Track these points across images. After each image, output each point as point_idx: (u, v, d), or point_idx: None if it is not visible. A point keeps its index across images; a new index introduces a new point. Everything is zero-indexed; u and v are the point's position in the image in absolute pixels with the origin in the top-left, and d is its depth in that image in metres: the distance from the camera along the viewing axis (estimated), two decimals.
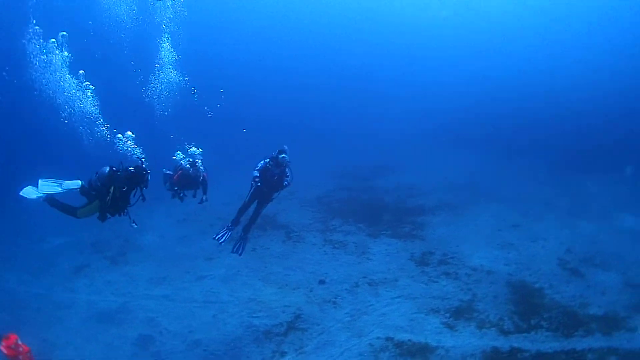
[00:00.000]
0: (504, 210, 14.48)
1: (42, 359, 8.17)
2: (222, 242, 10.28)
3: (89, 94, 9.44)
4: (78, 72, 9.47)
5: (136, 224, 8.00)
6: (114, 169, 7.81)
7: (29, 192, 7.89)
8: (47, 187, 7.94)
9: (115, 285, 11.17)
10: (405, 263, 11.35)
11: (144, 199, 8.09)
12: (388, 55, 48.81)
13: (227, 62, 42.20)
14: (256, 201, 10.30)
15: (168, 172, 9.71)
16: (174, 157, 9.26)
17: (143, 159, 8.22)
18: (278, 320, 9.33)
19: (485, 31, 45.99)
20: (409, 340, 8.37)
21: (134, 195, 8.04)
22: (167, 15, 11.92)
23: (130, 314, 9.90)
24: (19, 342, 7.41)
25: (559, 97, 30.97)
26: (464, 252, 11.69)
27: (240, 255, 10.51)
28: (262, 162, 9.93)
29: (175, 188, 9.59)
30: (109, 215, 7.95)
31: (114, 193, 7.71)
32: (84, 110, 9.40)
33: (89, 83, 9.40)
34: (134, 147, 8.45)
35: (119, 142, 8.47)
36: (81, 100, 9.41)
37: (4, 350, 7.28)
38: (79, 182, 8.02)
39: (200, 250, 12.85)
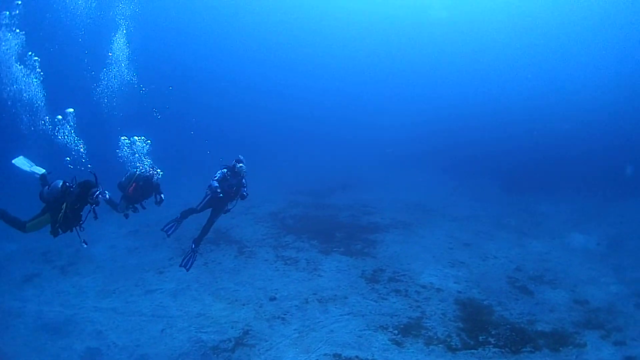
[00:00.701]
0: (456, 229, 14.53)
1: None
2: (169, 234, 9.99)
3: (34, 77, 8.95)
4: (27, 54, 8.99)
5: (86, 244, 7.68)
6: (67, 184, 7.50)
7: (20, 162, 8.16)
8: (21, 163, 8.15)
9: (65, 296, 10.62)
10: (355, 280, 11.09)
11: (96, 217, 7.75)
12: (349, 74, 49.19)
13: (189, 68, 41.72)
14: (210, 210, 9.97)
15: (106, 195, 9.23)
16: (118, 152, 8.86)
17: (94, 173, 7.87)
18: (226, 336, 8.91)
19: (437, 55, 47.15)
20: (356, 356, 8.07)
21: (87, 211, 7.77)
22: (124, 10, 11.60)
23: (78, 326, 9.39)
24: None
25: (511, 119, 31.78)
26: (415, 269, 11.53)
27: (187, 270, 10.11)
28: (220, 172, 9.68)
29: (134, 205, 9.19)
30: (60, 231, 7.59)
31: (65, 210, 7.36)
32: (28, 96, 8.90)
33: (37, 59, 8.88)
34: (77, 138, 8.08)
35: (58, 128, 8.08)
36: (26, 85, 8.91)
37: None
38: (44, 170, 8.01)
39: (151, 262, 12.35)
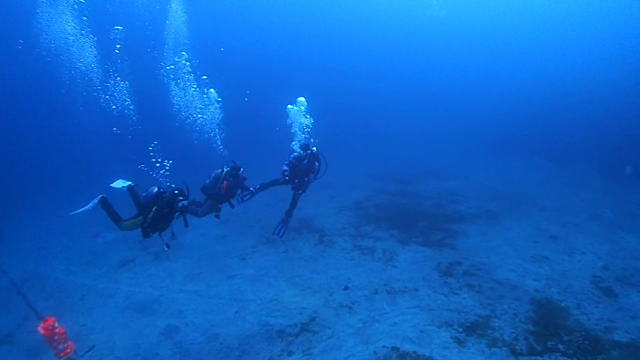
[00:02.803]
0: (545, 220, 13.30)
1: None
2: (244, 200, 10.86)
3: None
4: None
5: (168, 247, 8.37)
6: (161, 190, 8.05)
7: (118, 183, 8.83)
8: (119, 183, 8.84)
9: (154, 279, 11.46)
10: (429, 272, 10.64)
11: (186, 225, 8.42)
12: (431, 56, 47.10)
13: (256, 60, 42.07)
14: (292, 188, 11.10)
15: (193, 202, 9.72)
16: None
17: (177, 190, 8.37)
18: (293, 321, 9.10)
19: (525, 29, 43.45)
20: (414, 352, 7.76)
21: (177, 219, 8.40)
22: None
23: (162, 305, 10.14)
24: (56, 325, 7.75)
25: (612, 100, 28.13)
26: (493, 263, 10.78)
27: (281, 237, 11.43)
28: (290, 156, 10.34)
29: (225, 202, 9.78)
30: (149, 232, 8.20)
31: (154, 212, 7.92)
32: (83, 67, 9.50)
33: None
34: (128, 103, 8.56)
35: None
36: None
37: (41, 331, 7.66)
38: (131, 183, 8.77)
39: (236, 250, 12.87)
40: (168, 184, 8.38)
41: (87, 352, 8.32)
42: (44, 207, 18.38)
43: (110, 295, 10.71)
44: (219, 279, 11.27)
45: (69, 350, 7.97)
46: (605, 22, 39.86)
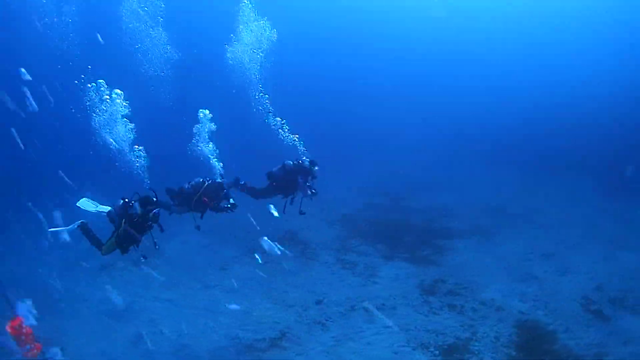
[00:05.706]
0: (538, 236, 12.53)
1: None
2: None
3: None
4: None
5: (145, 258, 8.01)
6: (127, 200, 7.51)
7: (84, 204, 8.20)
8: (85, 204, 8.18)
9: (131, 285, 11.06)
10: (411, 290, 9.93)
11: (162, 230, 7.90)
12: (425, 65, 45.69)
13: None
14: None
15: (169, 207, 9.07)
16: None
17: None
18: (262, 336, 8.56)
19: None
20: None
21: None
22: None
23: (135, 313, 9.74)
24: (24, 325, 7.26)
25: (610, 109, 26.99)
26: (479, 282, 10.03)
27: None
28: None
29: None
30: (127, 247, 7.69)
31: (124, 226, 7.42)
32: None
33: None
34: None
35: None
36: None
37: (9, 330, 7.18)
38: (109, 207, 7.95)
39: (217, 259, 12.39)
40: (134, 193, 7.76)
41: (53, 354, 7.88)
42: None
43: (86, 299, 10.34)
44: (196, 288, 10.82)
45: (35, 351, 7.45)
46: (604, 21, 39.16)
